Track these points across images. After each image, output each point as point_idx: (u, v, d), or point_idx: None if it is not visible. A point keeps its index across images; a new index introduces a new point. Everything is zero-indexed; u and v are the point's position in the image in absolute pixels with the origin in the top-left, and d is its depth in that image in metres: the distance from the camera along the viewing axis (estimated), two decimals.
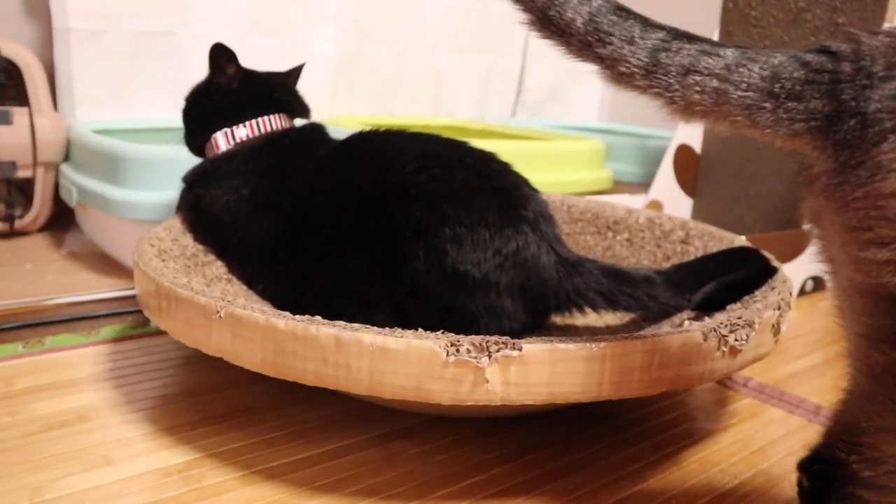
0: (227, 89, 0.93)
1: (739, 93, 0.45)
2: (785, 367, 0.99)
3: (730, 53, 0.46)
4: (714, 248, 0.97)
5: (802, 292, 1.33)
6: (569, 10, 0.48)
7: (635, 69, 0.47)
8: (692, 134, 1.47)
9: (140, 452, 0.67)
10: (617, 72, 0.48)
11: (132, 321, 0.99)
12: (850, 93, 0.43)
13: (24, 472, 0.63)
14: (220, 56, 0.91)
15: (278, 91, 0.96)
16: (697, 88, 0.46)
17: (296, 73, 1.01)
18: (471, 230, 0.75)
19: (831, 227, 0.46)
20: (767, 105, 0.45)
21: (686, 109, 0.47)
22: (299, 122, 0.99)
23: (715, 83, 0.46)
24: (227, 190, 0.88)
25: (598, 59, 0.48)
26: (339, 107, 1.78)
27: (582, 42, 0.48)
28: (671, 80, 0.46)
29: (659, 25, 0.48)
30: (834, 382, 0.95)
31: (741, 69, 0.45)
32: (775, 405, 0.87)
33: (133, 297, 1.05)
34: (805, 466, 0.57)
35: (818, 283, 1.36)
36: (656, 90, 0.47)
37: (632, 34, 0.47)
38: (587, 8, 0.48)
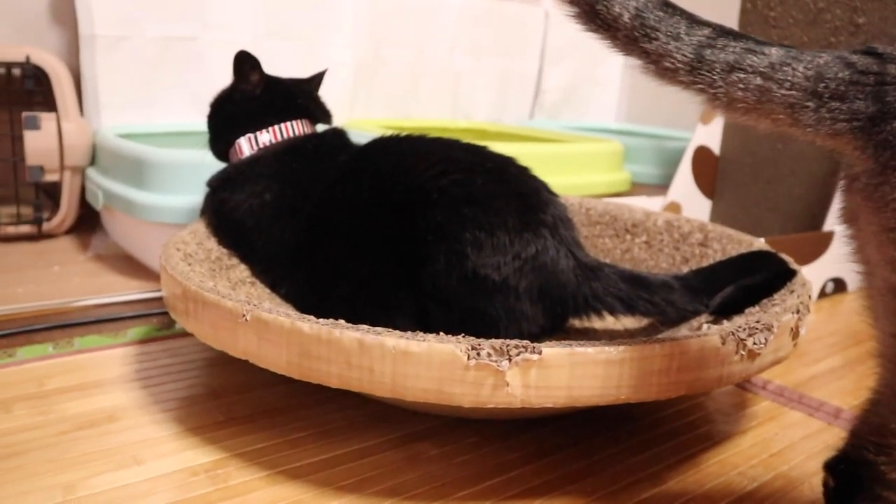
0: (251, 96, 0.94)
1: (783, 91, 0.46)
2: (805, 369, 0.99)
3: (774, 52, 0.47)
4: (733, 250, 0.97)
5: (822, 294, 1.33)
6: (616, 5, 0.49)
7: (680, 65, 0.48)
8: (711, 136, 1.47)
9: (167, 452, 0.69)
10: (662, 67, 0.49)
11: (158, 323, 1.01)
12: (895, 95, 0.43)
13: (56, 471, 0.64)
14: (245, 63, 0.93)
15: (301, 97, 0.97)
16: (741, 86, 0.46)
17: (318, 79, 1.03)
18: (491, 234, 0.76)
19: (868, 227, 0.47)
20: (810, 104, 0.45)
21: (729, 106, 0.48)
22: (321, 127, 1.00)
23: (759, 81, 0.46)
24: (250, 194, 0.90)
25: (644, 54, 0.49)
26: (358, 111, 1.80)
27: (628, 37, 0.49)
28: (715, 77, 0.47)
29: (705, 22, 0.49)
30: (855, 385, 0.95)
31: (785, 68, 0.46)
32: (795, 408, 0.87)
33: (158, 299, 1.07)
34: (832, 466, 0.57)
35: (838, 284, 1.35)
36: (700, 86, 0.48)
37: (678, 30, 0.48)
38: (634, 3, 0.49)
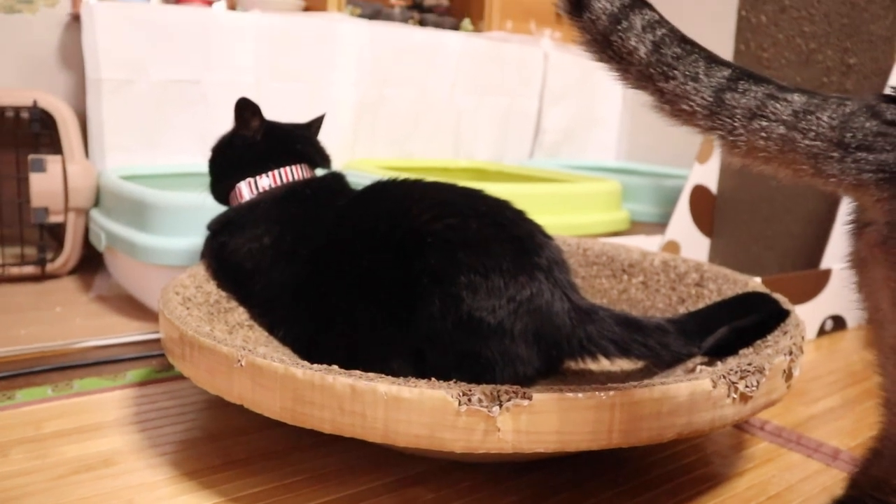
0: (252, 141, 0.96)
1: (807, 141, 0.43)
2: (803, 409, 0.99)
3: (797, 98, 0.44)
4: (728, 290, 0.98)
5: (822, 332, 1.33)
6: (632, 38, 0.46)
7: (698, 108, 0.45)
8: (707, 175, 1.48)
9: (163, 497, 0.69)
10: (677, 108, 0.46)
11: (157, 365, 1.02)
12: None
13: None
14: (245, 110, 0.95)
15: (300, 142, 0.99)
16: (763, 134, 0.44)
17: (317, 123, 1.04)
18: (485, 277, 0.77)
19: (885, 281, 0.45)
20: (835, 154, 0.43)
21: (748, 154, 0.45)
22: (321, 171, 1.02)
23: (782, 130, 0.44)
24: (249, 238, 0.91)
25: (658, 93, 0.46)
26: (361, 150, 1.82)
27: (642, 73, 0.46)
28: (736, 124, 0.45)
29: (724, 62, 0.46)
30: (853, 425, 0.95)
31: (809, 116, 0.44)
32: (793, 449, 0.87)
33: (158, 341, 1.08)
34: None
35: (837, 322, 1.35)
36: (719, 132, 0.45)
37: (696, 70, 0.45)
38: (651, 37, 0.46)
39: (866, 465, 0.55)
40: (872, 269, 0.47)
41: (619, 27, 0.46)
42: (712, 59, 0.46)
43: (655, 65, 0.46)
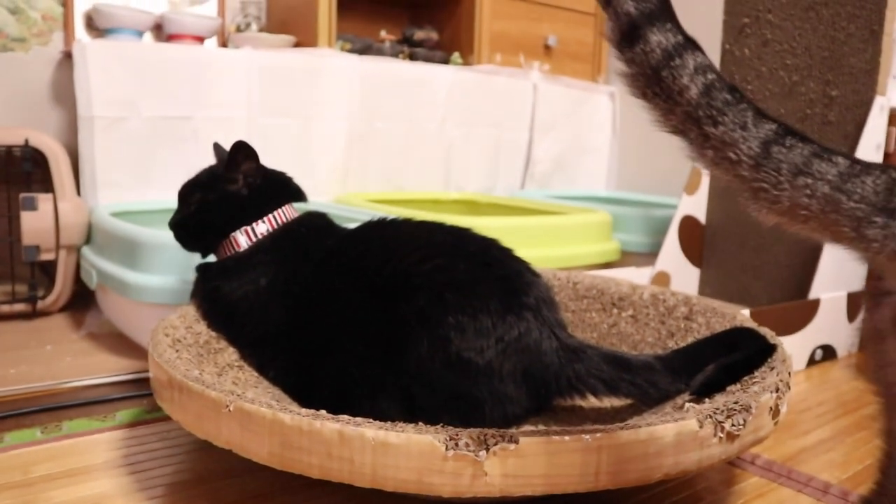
0: (247, 189, 0.95)
1: (851, 203, 0.42)
2: (794, 442, 0.99)
3: (841, 161, 0.43)
4: (717, 323, 0.98)
5: (812, 362, 1.33)
6: (684, 76, 0.44)
7: (744, 158, 0.43)
8: (696, 205, 1.49)
9: None
10: (722, 155, 0.44)
11: (147, 404, 1.02)
12: None
13: None
14: (239, 153, 0.94)
15: (282, 181, 0.98)
16: (807, 192, 0.43)
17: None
18: (473, 318, 0.77)
19: None
20: (878, 220, 0.42)
21: (789, 211, 0.44)
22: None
23: (826, 189, 0.42)
24: (246, 282, 0.90)
25: (703, 138, 0.44)
26: (352, 184, 1.83)
27: (689, 115, 0.44)
28: (781, 178, 0.43)
29: (770, 117, 0.45)
30: (844, 458, 0.95)
31: (854, 179, 0.42)
32: (783, 484, 0.87)
33: (149, 380, 1.08)
34: None
35: (827, 351, 1.36)
36: (762, 185, 0.43)
37: (745, 119, 0.44)
38: (703, 79, 0.44)
39: None
40: (889, 343, 0.46)
41: (672, 63, 0.44)
42: (759, 112, 0.45)
43: (705, 107, 0.44)
